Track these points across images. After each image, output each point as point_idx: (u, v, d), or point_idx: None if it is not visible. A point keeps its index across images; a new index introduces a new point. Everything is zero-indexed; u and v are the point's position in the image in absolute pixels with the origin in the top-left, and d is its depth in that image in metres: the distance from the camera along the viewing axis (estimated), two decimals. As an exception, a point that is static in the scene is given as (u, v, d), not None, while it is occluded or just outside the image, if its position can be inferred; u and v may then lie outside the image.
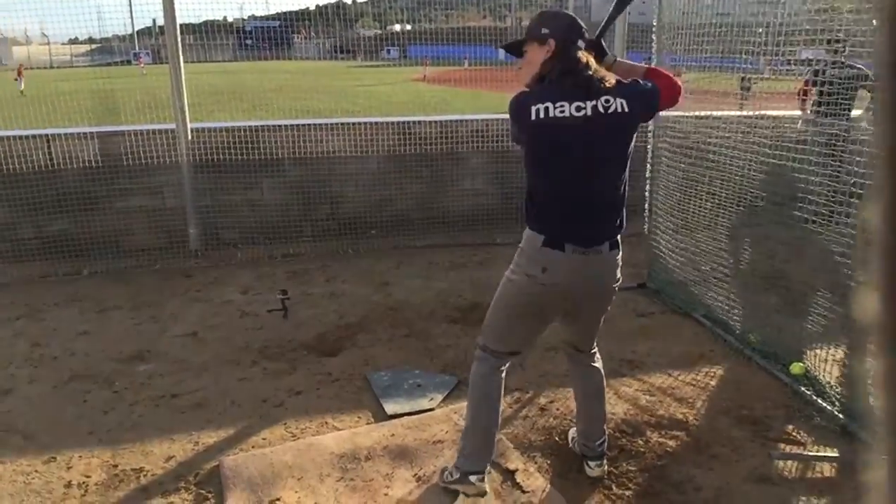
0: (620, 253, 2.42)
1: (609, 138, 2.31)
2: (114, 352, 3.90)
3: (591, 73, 2.29)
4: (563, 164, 2.30)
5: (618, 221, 2.39)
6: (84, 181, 5.48)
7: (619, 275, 2.45)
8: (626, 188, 2.41)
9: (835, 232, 3.23)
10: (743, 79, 4.19)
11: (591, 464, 2.71)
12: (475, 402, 2.53)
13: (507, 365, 2.56)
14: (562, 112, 2.23)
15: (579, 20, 2.38)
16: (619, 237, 2.40)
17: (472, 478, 2.47)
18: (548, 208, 2.34)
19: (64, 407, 3.29)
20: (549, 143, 2.28)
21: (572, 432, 2.88)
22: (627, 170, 2.40)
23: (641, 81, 2.37)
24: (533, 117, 2.25)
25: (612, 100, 2.27)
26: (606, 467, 2.72)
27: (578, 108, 2.24)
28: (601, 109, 2.26)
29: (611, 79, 2.31)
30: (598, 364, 2.73)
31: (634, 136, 2.38)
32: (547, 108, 2.24)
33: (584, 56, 2.32)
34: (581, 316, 2.56)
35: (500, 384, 2.53)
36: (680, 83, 2.43)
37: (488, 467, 2.56)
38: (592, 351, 2.71)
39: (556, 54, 2.31)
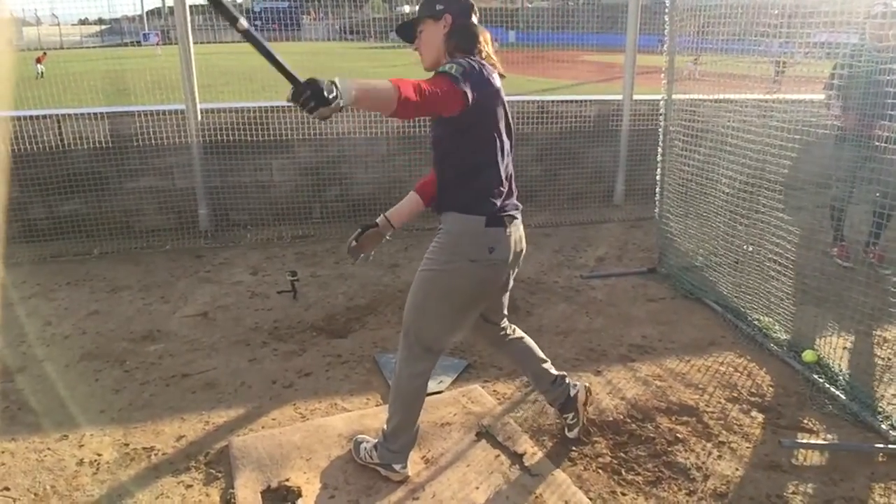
0: None
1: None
2: (125, 331, 3.92)
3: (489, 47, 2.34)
4: (505, 135, 2.31)
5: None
6: (95, 162, 5.49)
7: None
8: None
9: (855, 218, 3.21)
10: (777, 63, 4.14)
11: (569, 419, 2.79)
12: (411, 406, 2.51)
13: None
14: (498, 83, 2.28)
15: None
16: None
17: (397, 466, 2.53)
18: (489, 186, 2.29)
19: (76, 385, 3.31)
20: (500, 112, 2.27)
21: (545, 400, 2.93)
22: None
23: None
24: (496, 85, 2.24)
25: None
26: (583, 418, 2.80)
27: (499, 81, 2.31)
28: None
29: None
30: (513, 328, 2.75)
31: None
32: (496, 78, 2.27)
33: (481, 27, 2.36)
34: (506, 288, 2.57)
35: (426, 386, 2.53)
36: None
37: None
38: (505, 321, 2.73)
39: (454, 28, 2.29)
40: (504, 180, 2.32)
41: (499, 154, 2.29)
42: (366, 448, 2.62)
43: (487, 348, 2.90)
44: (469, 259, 2.29)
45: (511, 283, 2.55)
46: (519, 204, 2.41)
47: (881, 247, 4.42)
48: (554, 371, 2.80)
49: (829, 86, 4.12)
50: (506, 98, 2.30)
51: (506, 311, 2.71)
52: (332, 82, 1.77)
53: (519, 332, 2.78)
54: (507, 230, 2.31)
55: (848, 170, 4.29)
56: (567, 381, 2.80)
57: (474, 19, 2.35)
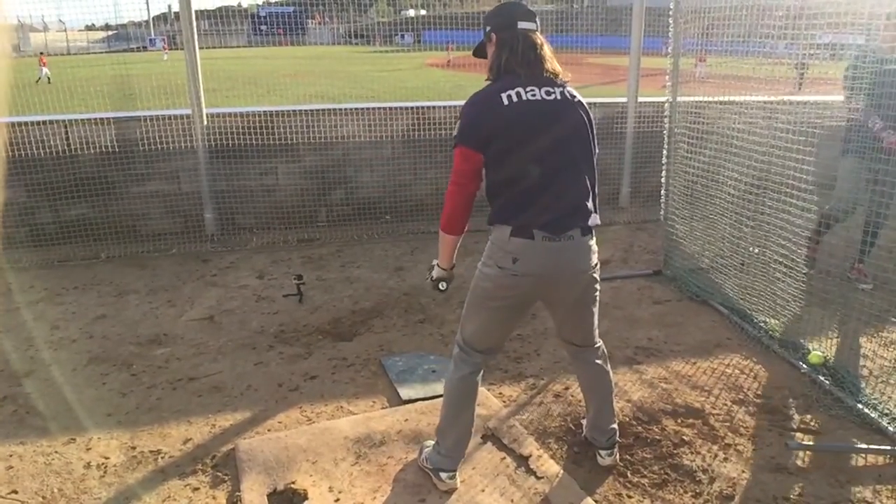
0: (594, 239, 2.37)
1: (580, 123, 2.32)
2: (131, 335, 3.94)
3: (539, 51, 2.31)
4: (539, 146, 2.24)
5: (588, 207, 2.33)
6: (101, 166, 5.52)
7: (594, 261, 2.39)
8: (596, 179, 2.39)
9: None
10: (797, 65, 4.12)
11: (602, 453, 2.70)
12: (453, 406, 2.52)
13: (482, 371, 2.53)
14: (533, 95, 2.25)
15: (521, 3, 2.39)
16: (590, 223, 2.32)
17: (444, 475, 2.52)
18: (516, 198, 2.26)
19: (83, 389, 3.33)
20: (526, 125, 2.23)
21: (585, 421, 2.87)
22: (595, 161, 2.40)
23: None
24: (506, 102, 2.22)
25: (575, 93, 2.35)
26: (618, 457, 2.71)
27: (548, 93, 2.28)
28: (569, 96, 2.31)
29: (565, 73, 2.36)
30: (602, 361, 2.64)
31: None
32: (518, 93, 2.24)
33: (524, 36, 2.31)
34: (564, 306, 2.49)
35: (476, 388, 2.52)
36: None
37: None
38: (596, 345, 2.63)
39: (498, 43, 2.35)
40: (535, 193, 2.25)
41: (526, 164, 2.24)
42: (426, 451, 2.63)
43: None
44: (497, 265, 2.30)
45: (570, 304, 2.46)
46: (572, 223, 2.27)
47: (866, 263, 4.29)
48: (615, 424, 2.73)
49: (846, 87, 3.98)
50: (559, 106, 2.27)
51: (585, 339, 2.59)
52: (430, 269, 2.57)
53: (606, 366, 2.66)
54: (537, 244, 2.23)
55: (852, 181, 4.16)
56: (616, 441, 2.73)
57: (523, 25, 2.32)
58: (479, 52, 2.49)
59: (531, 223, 2.24)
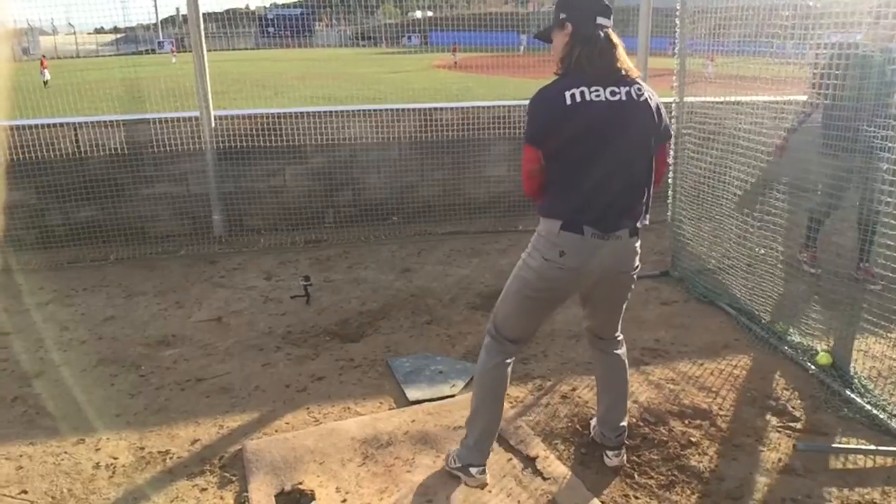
0: (640, 241, 2.40)
1: (641, 124, 2.30)
2: (140, 336, 3.96)
3: (614, 51, 2.28)
4: (597, 147, 2.24)
5: (640, 210, 2.36)
6: (110, 168, 5.56)
7: (637, 262, 2.42)
8: (651, 181, 2.40)
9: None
10: (812, 65, 4.10)
11: (610, 453, 2.69)
12: (482, 394, 2.54)
13: (513, 360, 2.55)
14: (597, 96, 2.23)
15: None
16: (638, 225, 2.36)
17: (473, 470, 2.52)
18: (569, 194, 2.29)
19: (92, 390, 3.35)
20: (585, 125, 2.22)
21: (593, 421, 2.87)
22: (653, 163, 2.40)
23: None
24: (569, 102, 2.21)
25: (643, 89, 2.29)
26: (625, 457, 2.70)
27: (613, 93, 2.24)
28: (634, 96, 2.27)
29: (636, 69, 2.32)
30: (621, 352, 2.70)
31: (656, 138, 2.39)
32: (582, 92, 2.22)
33: (604, 33, 2.29)
34: (599, 302, 2.56)
35: (506, 377, 2.53)
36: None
37: (491, 456, 2.59)
38: (617, 337, 2.69)
39: (573, 36, 2.31)
40: (589, 190, 2.26)
41: (583, 163, 2.25)
42: (452, 454, 2.62)
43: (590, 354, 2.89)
44: (543, 257, 2.33)
45: (606, 300, 2.53)
46: (622, 224, 2.31)
47: (872, 262, 4.25)
48: (625, 422, 2.73)
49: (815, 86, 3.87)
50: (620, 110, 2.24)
51: (610, 331, 2.66)
52: None
53: (624, 358, 2.70)
54: (586, 240, 2.26)
55: (835, 178, 4.12)
56: (624, 440, 2.72)
57: (601, 21, 2.30)
58: (544, 35, 2.46)
59: (582, 219, 2.27)
